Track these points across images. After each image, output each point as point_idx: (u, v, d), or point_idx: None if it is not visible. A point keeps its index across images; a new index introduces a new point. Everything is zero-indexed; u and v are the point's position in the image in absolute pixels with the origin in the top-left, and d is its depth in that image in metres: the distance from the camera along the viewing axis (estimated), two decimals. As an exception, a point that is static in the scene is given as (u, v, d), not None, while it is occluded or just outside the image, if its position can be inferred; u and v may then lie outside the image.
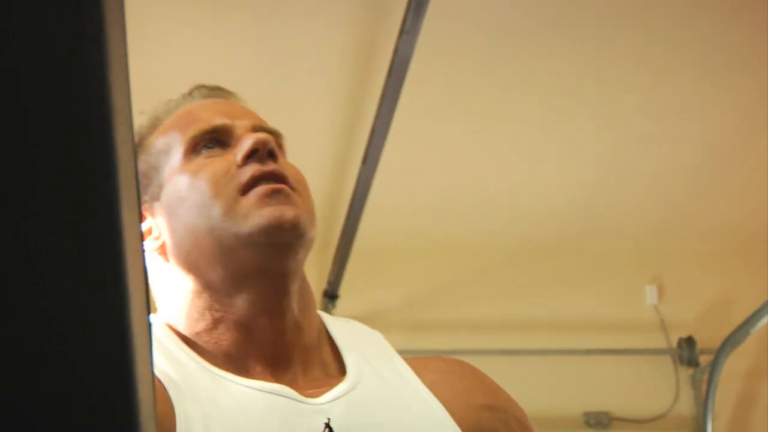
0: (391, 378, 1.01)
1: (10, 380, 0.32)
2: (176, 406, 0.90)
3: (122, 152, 0.35)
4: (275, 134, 1.07)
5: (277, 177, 1.00)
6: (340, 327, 1.08)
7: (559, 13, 2.80)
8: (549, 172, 3.59)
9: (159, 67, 2.64)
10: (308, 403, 0.93)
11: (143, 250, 0.38)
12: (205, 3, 2.59)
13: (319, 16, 2.69)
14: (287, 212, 0.97)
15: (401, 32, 2.53)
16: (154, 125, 1.09)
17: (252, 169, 0.99)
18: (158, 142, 1.07)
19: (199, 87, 1.12)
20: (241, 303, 0.98)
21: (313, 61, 2.86)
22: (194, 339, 0.99)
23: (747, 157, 3.51)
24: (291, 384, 0.96)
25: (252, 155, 1.00)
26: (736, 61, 3.03)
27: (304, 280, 1.04)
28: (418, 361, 1.08)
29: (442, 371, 1.07)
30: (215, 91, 1.13)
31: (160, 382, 0.92)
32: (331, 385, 0.97)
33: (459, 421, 0.99)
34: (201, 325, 0.99)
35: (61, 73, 0.33)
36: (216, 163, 1.02)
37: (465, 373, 1.09)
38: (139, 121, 1.10)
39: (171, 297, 1.03)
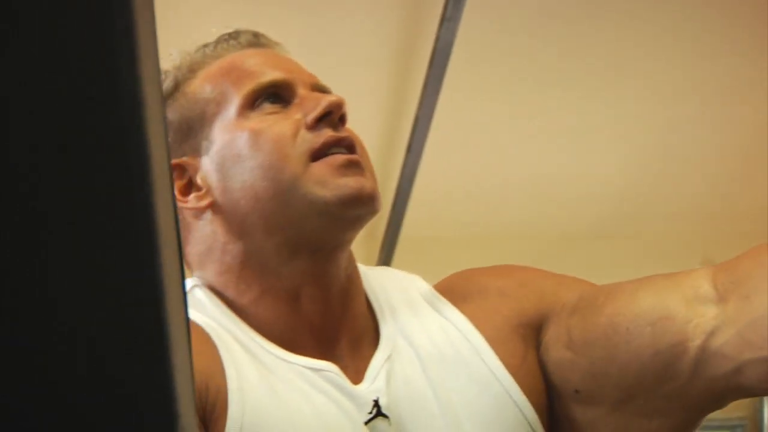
0: (425, 335, 0.98)
1: (39, 376, 0.32)
2: (225, 362, 0.87)
3: (155, 147, 0.36)
4: (330, 92, 1.02)
5: (349, 146, 0.95)
6: (375, 284, 1.03)
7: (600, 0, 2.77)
8: (596, 156, 3.56)
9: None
10: (353, 386, 0.92)
11: (179, 244, 0.38)
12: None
13: (360, 5, 2.69)
14: (366, 185, 0.93)
15: (442, 19, 2.52)
16: (192, 70, 1.02)
17: (325, 135, 0.94)
18: (203, 89, 0.99)
19: (241, 33, 1.04)
20: (291, 272, 0.94)
21: (355, 51, 2.86)
22: (241, 308, 0.95)
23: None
24: (337, 362, 0.93)
25: (322, 118, 0.95)
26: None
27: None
28: (447, 293, 1.04)
29: (474, 293, 1.03)
30: (259, 39, 1.05)
31: (208, 337, 0.90)
32: (368, 361, 0.95)
33: (503, 345, 0.97)
34: (248, 296, 0.95)
35: (93, 70, 0.34)
36: (281, 122, 0.95)
37: (484, 287, 1.04)
38: (171, 62, 1.03)
39: (215, 261, 0.97)
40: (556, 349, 0.98)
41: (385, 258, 3.60)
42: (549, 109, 3.27)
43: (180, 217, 0.99)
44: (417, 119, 2.93)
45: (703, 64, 3.10)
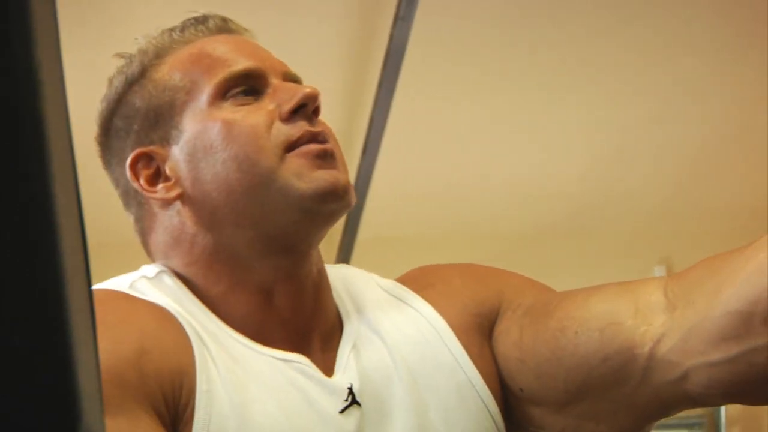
0: (390, 323, 0.98)
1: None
2: (197, 360, 0.85)
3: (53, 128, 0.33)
4: (300, 81, 1.00)
5: (324, 139, 0.93)
6: (335, 280, 1.02)
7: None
8: (553, 156, 3.57)
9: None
10: (326, 378, 0.91)
11: (83, 235, 0.36)
12: None
13: (312, 5, 2.67)
14: (341, 177, 0.92)
15: (396, 18, 2.51)
16: (159, 55, 0.98)
17: (301, 128, 0.92)
18: (172, 77, 0.96)
19: (209, 17, 1.01)
20: (263, 268, 0.93)
21: (307, 51, 2.84)
22: (210, 299, 0.93)
23: (752, 135, 3.48)
24: (309, 356, 0.92)
25: (297, 110, 0.93)
26: (736, 39, 3.00)
27: None
28: (410, 282, 1.05)
29: (436, 282, 1.04)
30: (227, 24, 1.02)
31: (183, 329, 0.88)
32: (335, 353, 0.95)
33: (464, 333, 0.98)
34: (218, 289, 0.93)
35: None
36: (254, 113, 0.93)
37: (445, 276, 1.06)
38: (138, 47, 1.00)
39: (183, 252, 0.94)
40: (505, 346, 0.98)
41: (343, 260, 3.58)
42: (507, 107, 3.27)
43: (146, 206, 0.97)
44: (372, 120, 2.92)
45: (659, 64, 3.11)
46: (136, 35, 1.02)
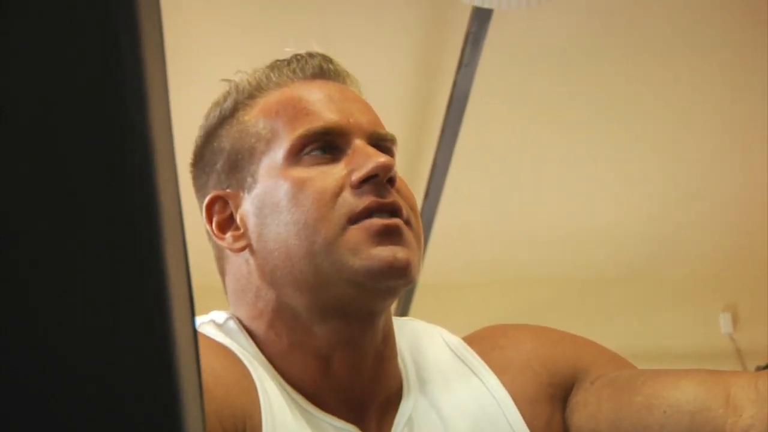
0: (449, 393, 0.95)
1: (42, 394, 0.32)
2: (262, 405, 0.85)
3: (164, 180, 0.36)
4: (391, 140, 0.97)
5: (392, 212, 0.89)
6: (401, 341, 0.99)
7: (615, 43, 2.77)
8: (615, 201, 3.55)
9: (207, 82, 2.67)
10: None
11: (189, 281, 0.38)
12: (258, 34, 2.62)
13: (378, 51, 2.72)
14: (399, 254, 0.86)
15: (459, 65, 2.54)
16: (252, 96, 0.97)
17: (368, 200, 0.88)
18: (257, 123, 0.94)
19: (310, 58, 0.98)
20: (322, 333, 0.90)
21: (372, 96, 2.87)
22: (270, 355, 0.91)
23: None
24: (364, 426, 0.91)
25: (368, 179, 0.89)
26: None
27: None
28: (478, 343, 1.01)
29: (501, 347, 1.01)
30: (324, 69, 0.99)
31: (249, 372, 0.87)
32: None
33: (529, 404, 0.94)
34: (278, 346, 0.91)
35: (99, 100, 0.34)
36: (325, 177, 0.89)
37: (518, 345, 1.01)
38: (237, 80, 0.99)
39: (249, 303, 0.93)
40: (580, 415, 0.94)
41: (403, 305, 3.59)
42: (568, 154, 3.27)
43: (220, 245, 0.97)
44: (435, 164, 2.95)
45: (721, 108, 3.09)
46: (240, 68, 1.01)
